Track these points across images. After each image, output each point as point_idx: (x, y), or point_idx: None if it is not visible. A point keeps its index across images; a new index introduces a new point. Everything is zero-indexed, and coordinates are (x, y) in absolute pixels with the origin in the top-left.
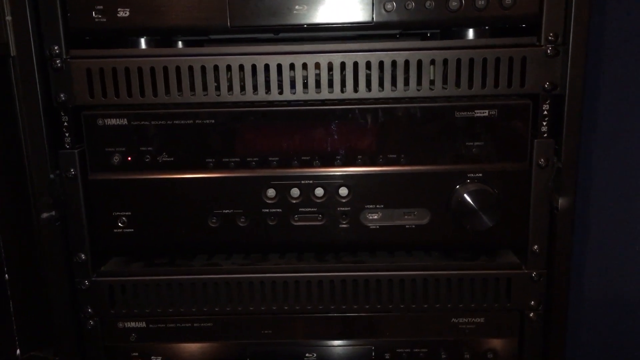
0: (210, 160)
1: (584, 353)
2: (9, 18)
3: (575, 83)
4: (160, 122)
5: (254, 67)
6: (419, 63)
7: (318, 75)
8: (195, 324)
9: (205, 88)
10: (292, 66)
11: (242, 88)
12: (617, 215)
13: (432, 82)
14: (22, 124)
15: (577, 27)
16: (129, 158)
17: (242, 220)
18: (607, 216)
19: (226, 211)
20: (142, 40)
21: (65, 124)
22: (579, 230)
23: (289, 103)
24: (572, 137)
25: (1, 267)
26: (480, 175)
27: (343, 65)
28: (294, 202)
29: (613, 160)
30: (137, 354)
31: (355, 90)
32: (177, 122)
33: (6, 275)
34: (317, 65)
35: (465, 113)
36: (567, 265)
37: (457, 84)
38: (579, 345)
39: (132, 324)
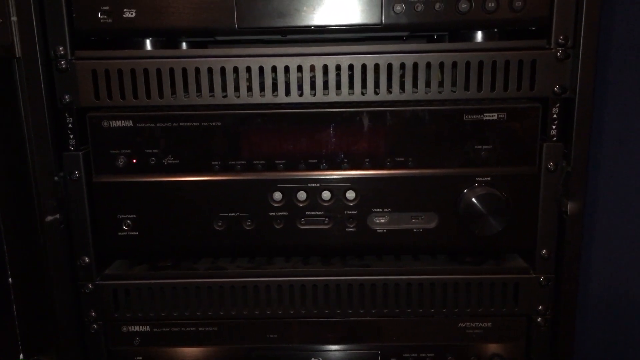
0: (216, 163)
1: (590, 356)
2: (14, 19)
3: (585, 86)
4: (166, 124)
5: (261, 69)
6: (428, 65)
7: (325, 78)
8: (200, 328)
9: (211, 90)
10: (299, 68)
11: (249, 90)
12: (624, 218)
13: (440, 85)
14: (27, 125)
15: (588, 30)
16: (134, 160)
17: (248, 223)
18: (613, 219)
19: (232, 214)
20: (148, 42)
21: (70, 125)
22: (585, 232)
23: (296, 105)
24: (582, 141)
25: (4, 270)
26: (489, 179)
27: (351, 68)
28: (301, 205)
29: (619, 163)
30: (141, 358)
31: (363, 92)
32: (183, 124)
33: (9, 279)
34: (325, 68)
35: (474, 116)
36: (576, 270)
37: (466, 87)
38: (585, 348)
39: (136, 328)
